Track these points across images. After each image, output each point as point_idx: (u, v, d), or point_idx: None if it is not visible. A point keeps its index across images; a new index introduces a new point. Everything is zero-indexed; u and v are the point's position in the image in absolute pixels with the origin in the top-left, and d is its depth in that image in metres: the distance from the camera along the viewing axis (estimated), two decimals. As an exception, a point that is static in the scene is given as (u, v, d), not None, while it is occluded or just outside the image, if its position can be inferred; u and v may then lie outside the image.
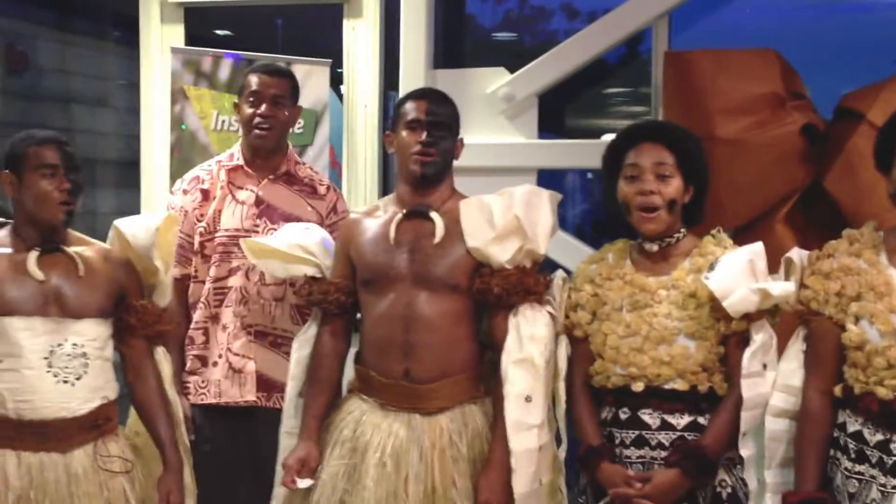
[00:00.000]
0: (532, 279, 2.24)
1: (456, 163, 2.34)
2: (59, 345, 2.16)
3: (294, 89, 2.78)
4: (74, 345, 2.17)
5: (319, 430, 2.32)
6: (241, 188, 2.72)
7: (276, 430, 2.40)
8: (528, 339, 2.21)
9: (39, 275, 2.17)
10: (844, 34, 3.57)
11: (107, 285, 2.24)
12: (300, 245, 2.40)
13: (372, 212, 2.40)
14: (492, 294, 2.22)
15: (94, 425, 2.20)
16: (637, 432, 2.18)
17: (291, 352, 2.41)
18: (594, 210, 3.99)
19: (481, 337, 2.32)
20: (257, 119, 2.67)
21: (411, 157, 2.27)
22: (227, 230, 2.66)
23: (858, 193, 2.70)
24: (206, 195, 2.73)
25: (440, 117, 2.29)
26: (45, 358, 2.14)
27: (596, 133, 3.59)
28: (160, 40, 3.69)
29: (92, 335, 2.20)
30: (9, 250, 2.21)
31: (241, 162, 2.75)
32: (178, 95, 3.43)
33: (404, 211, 2.30)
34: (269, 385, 2.65)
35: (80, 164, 2.23)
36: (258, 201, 2.70)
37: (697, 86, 2.92)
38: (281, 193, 2.72)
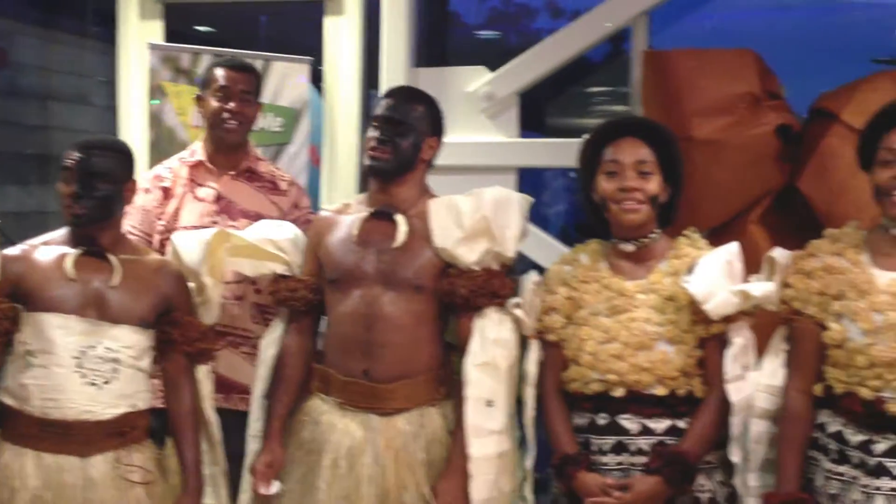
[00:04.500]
0: (499, 282, 2.22)
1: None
2: (92, 347, 2.15)
3: (258, 85, 2.78)
4: (108, 349, 2.16)
5: (283, 430, 2.31)
6: (202, 185, 2.70)
7: (234, 432, 2.37)
8: (493, 343, 2.19)
9: (72, 273, 2.16)
10: (822, 34, 3.60)
11: (152, 296, 2.22)
12: (272, 241, 2.38)
13: (343, 210, 2.39)
14: (458, 295, 2.20)
15: (119, 432, 2.18)
16: (616, 438, 2.15)
17: (259, 352, 2.39)
18: (577, 209, 4.00)
19: (449, 338, 2.31)
20: (226, 114, 2.66)
21: (365, 154, 2.28)
22: (186, 228, 2.63)
23: (831, 194, 2.71)
24: (166, 193, 2.71)
25: (399, 115, 2.26)
26: (76, 357, 2.13)
27: (577, 132, 3.58)
28: (139, 37, 3.66)
29: (128, 342, 2.18)
30: (63, 249, 2.21)
31: (203, 158, 2.73)
32: (156, 92, 3.42)
33: (369, 211, 2.29)
34: (227, 386, 2.62)
35: (108, 172, 2.19)
36: (218, 198, 2.68)
37: (675, 85, 2.93)
38: (242, 190, 2.71)
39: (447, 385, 2.27)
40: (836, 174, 2.70)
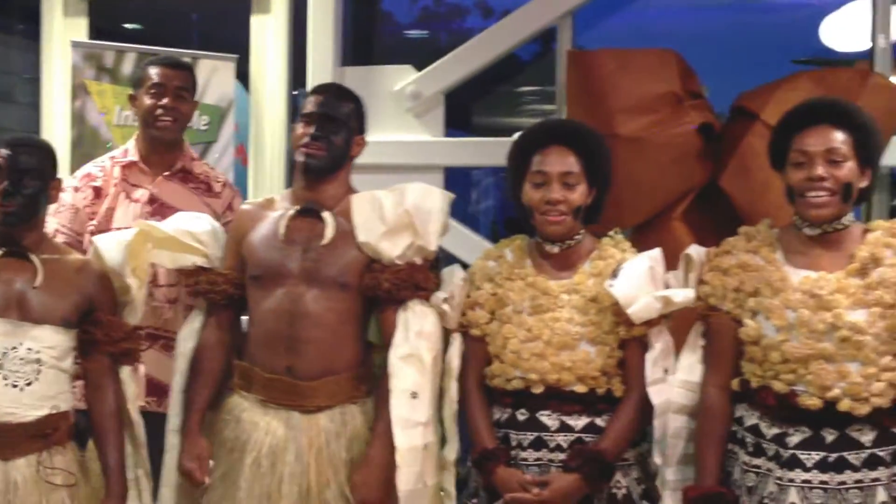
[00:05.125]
0: (422, 275, 2.24)
1: (362, 160, 2.33)
2: (14, 348, 2.11)
3: (194, 83, 2.75)
4: (29, 349, 2.12)
5: (203, 423, 2.29)
6: (136, 186, 2.66)
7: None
8: (416, 335, 2.20)
9: None
10: (744, 35, 3.67)
11: (75, 296, 2.19)
12: (190, 232, 2.35)
13: (267, 205, 2.37)
14: (381, 289, 2.21)
15: (41, 434, 2.13)
16: (535, 434, 2.18)
17: (176, 345, 2.36)
18: (506, 207, 4.01)
19: (370, 337, 2.31)
20: (160, 111, 2.63)
21: (299, 149, 2.26)
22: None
23: (752, 192, 2.76)
24: (98, 193, 2.66)
25: (333, 112, 2.27)
26: None
27: (506, 131, 3.60)
28: (63, 34, 3.59)
29: (50, 343, 2.15)
30: None
31: (136, 158, 2.69)
32: (79, 90, 3.35)
33: (296, 208, 2.28)
34: (159, 389, 2.60)
35: (36, 169, 2.15)
36: (152, 199, 2.65)
37: (599, 84, 2.95)
38: (176, 191, 2.68)
39: (368, 383, 2.28)
40: (756, 172, 2.74)
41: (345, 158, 2.31)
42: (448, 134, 3.42)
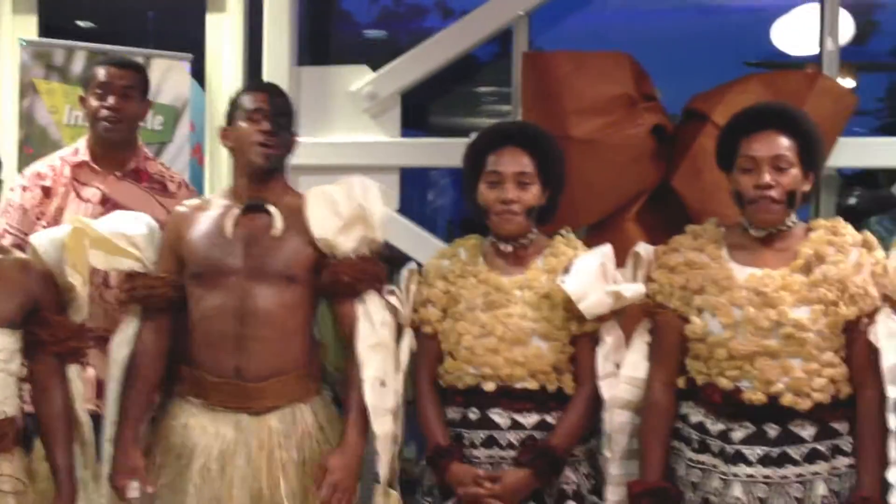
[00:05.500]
0: (378, 267, 2.27)
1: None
2: None
3: (144, 82, 2.72)
4: None
5: (138, 434, 2.26)
6: (86, 185, 2.63)
7: None
8: (380, 324, 2.23)
9: None
10: (698, 38, 3.71)
11: (20, 295, 2.14)
12: (124, 235, 2.30)
13: (202, 206, 2.35)
14: (341, 283, 2.22)
15: None
16: (487, 432, 2.20)
17: (110, 353, 2.31)
18: (462, 207, 4.02)
19: (317, 334, 2.31)
20: (104, 111, 2.60)
21: (253, 148, 2.24)
22: None
23: (704, 192, 2.79)
24: (47, 192, 2.62)
25: (282, 109, 2.28)
26: None
27: (464, 131, 3.60)
28: (11, 31, 3.53)
29: None
30: None
31: (87, 157, 2.66)
32: (27, 89, 3.29)
33: (242, 205, 2.26)
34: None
35: None
36: (104, 199, 2.61)
37: (554, 86, 2.97)
38: (129, 191, 2.64)
39: (317, 381, 2.29)
40: (707, 173, 2.77)
41: (291, 154, 2.34)
42: (405, 134, 3.42)
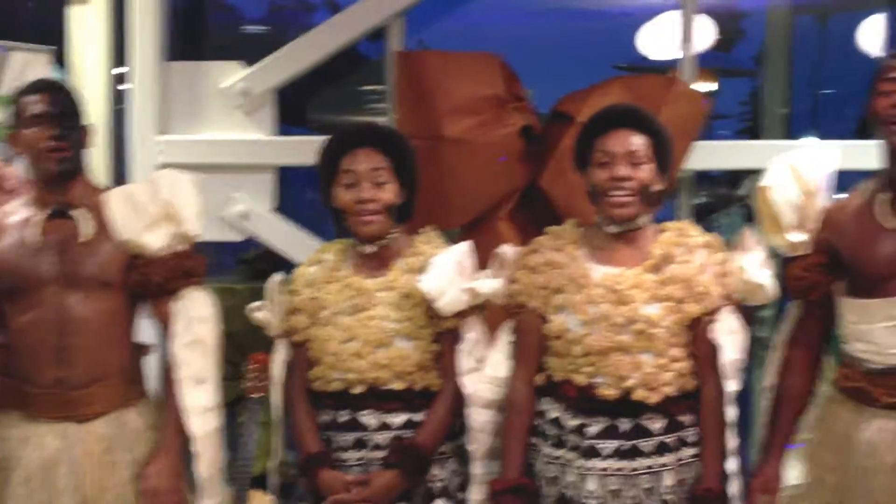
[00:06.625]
0: (191, 261, 2.23)
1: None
2: None
3: None
4: None
5: None
6: None
7: None
8: (197, 321, 2.20)
9: None
10: (570, 40, 3.81)
11: None
12: None
13: (4, 216, 2.25)
14: (152, 283, 2.19)
15: None
16: (356, 435, 2.21)
17: None
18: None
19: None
20: None
21: (44, 155, 2.15)
22: None
23: (569, 192, 2.86)
24: None
25: (66, 108, 2.18)
26: None
27: (343, 129, 3.58)
28: None
29: None
30: None
31: None
32: None
33: (48, 211, 2.19)
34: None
35: None
36: None
37: (426, 86, 3.00)
38: None
39: (142, 384, 2.27)
40: (572, 173, 2.80)
41: (84, 154, 2.25)
42: (286, 133, 3.38)
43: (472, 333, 2.24)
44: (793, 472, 2.22)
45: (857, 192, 2.17)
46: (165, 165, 2.96)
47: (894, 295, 2.03)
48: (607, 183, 2.13)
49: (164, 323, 2.23)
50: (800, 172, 2.19)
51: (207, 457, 2.17)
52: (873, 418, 2.05)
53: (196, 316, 2.20)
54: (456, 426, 2.26)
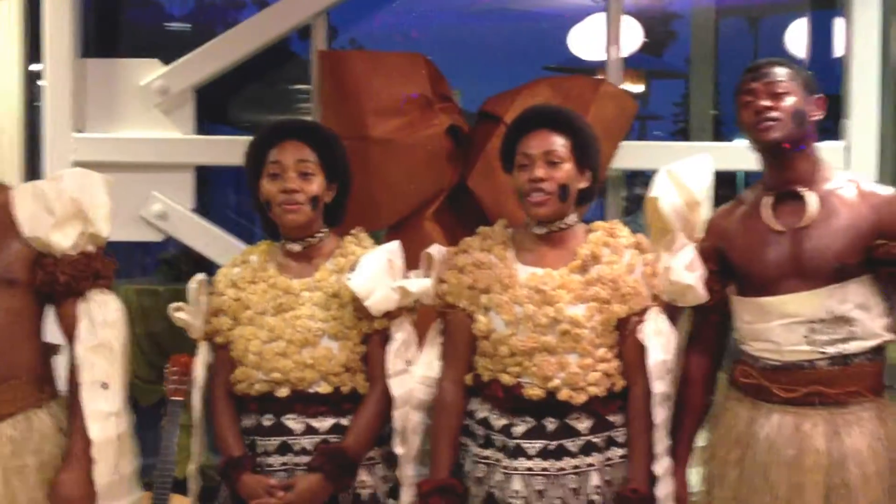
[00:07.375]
0: (100, 263, 2.17)
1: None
2: None
3: None
4: None
5: None
6: None
7: None
8: (102, 325, 2.14)
9: None
10: (502, 41, 3.80)
11: None
12: None
13: None
14: (59, 283, 2.11)
15: None
16: (281, 439, 2.16)
17: None
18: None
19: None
20: None
21: None
22: None
23: (497, 192, 2.86)
24: None
25: None
26: None
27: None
28: None
29: None
30: None
31: None
32: None
33: None
34: None
35: None
36: None
37: (351, 86, 2.96)
38: None
39: (51, 385, 2.19)
40: (500, 173, 2.76)
41: None
42: (214, 132, 3.30)
43: (402, 334, 2.21)
44: (696, 475, 2.23)
45: (740, 198, 2.20)
46: (80, 163, 2.87)
47: (786, 293, 2.05)
48: (526, 184, 2.14)
49: (69, 324, 2.16)
50: (683, 182, 2.22)
51: (107, 463, 2.10)
52: (771, 413, 2.07)
53: (102, 319, 2.14)
54: (385, 431, 2.22)
